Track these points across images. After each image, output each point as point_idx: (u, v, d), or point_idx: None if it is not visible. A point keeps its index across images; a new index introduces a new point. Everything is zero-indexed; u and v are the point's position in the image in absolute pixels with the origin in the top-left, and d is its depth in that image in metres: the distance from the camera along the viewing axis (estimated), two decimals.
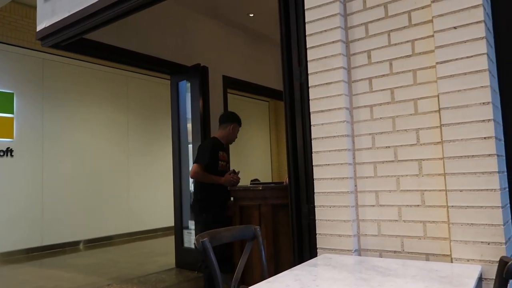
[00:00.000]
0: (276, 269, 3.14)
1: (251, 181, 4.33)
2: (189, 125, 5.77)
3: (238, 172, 3.79)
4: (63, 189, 7.57)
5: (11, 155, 6.88)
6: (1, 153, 6.77)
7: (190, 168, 3.79)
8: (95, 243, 7.92)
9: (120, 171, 8.67)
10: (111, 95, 8.63)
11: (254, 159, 11.15)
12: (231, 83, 6.36)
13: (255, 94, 8.89)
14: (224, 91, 6.19)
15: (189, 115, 5.78)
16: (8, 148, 6.85)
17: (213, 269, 1.69)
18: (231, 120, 3.85)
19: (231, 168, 3.88)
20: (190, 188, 5.73)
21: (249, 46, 6.88)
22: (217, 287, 1.68)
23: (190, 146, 5.60)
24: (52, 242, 7.31)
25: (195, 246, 1.69)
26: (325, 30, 2.14)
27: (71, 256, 6.89)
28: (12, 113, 6.96)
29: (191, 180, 5.65)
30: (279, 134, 12.76)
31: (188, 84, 5.70)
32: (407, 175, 1.93)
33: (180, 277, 5.01)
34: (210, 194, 3.60)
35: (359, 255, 2.05)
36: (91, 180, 8.04)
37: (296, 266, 1.76)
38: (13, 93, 7.00)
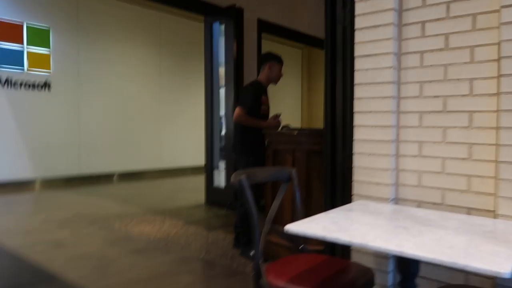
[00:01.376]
0: (306, 214, 3.16)
1: (282, 126, 4.27)
2: (222, 69, 5.69)
3: (280, 115, 3.72)
4: (98, 124, 7.74)
5: (49, 89, 7.00)
6: (40, 87, 6.90)
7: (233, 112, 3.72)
8: (127, 176, 8.19)
9: (153, 110, 8.75)
10: (144, 35, 8.52)
11: (284, 106, 11.02)
12: (265, 27, 6.14)
13: (289, 39, 8.60)
14: (259, 34, 5.99)
15: (222, 58, 5.67)
16: (46, 81, 6.96)
17: (250, 207, 1.69)
18: (267, 59, 3.70)
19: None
20: (222, 132, 5.76)
21: None
22: (253, 225, 1.68)
23: (223, 90, 5.54)
24: (88, 172, 7.60)
25: (232, 183, 1.67)
26: None
27: (106, 187, 7.17)
28: (49, 47, 6.99)
29: (223, 124, 5.67)
30: (311, 82, 12.49)
31: (222, 26, 5.53)
32: (455, 127, 1.83)
33: (210, 213, 5.15)
34: (250, 137, 3.57)
35: (396, 204, 2.01)
36: (125, 117, 8.17)
37: (332, 210, 1.74)
38: (49, 29, 6.99)
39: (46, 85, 6.97)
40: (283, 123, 3.98)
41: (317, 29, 7.11)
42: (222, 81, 5.69)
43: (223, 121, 5.65)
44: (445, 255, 1.17)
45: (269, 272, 1.63)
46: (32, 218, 4.71)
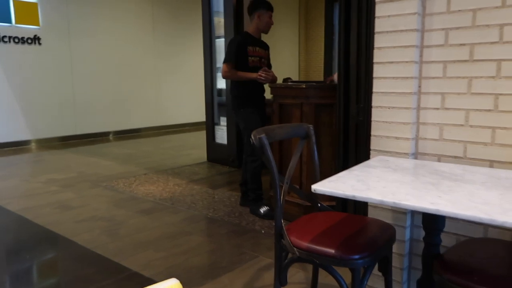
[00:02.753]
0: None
1: (284, 79, 4.18)
2: (217, 19, 5.50)
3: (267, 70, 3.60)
4: (92, 80, 7.59)
5: (39, 43, 6.78)
6: (29, 41, 6.67)
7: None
8: (124, 134, 8.15)
9: (148, 64, 8.56)
10: None
11: (279, 57, 10.77)
12: None
13: None
14: None
15: (218, 7, 5.47)
16: (36, 35, 6.73)
17: (270, 166, 1.66)
18: (254, 7, 3.55)
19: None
20: (218, 86, 5.66)
21: None
22: (275, 184, 1.66)
23: (222, 40, 5.38)
24: (84, 132, 7.54)
25: (252, 141, 1.63)
26: None
27: (105, 146, 7.15)
28: None
29: (219, 77, 5.57)
30: (309, 30, 12.16)
31: None
32: (481, 77, 1.76)
33: (213, 171, 5.16)
34: (245, 90, 3.51)
35: (415, 158, 1.98)
36: (118, 72, 8.01)
37: (354, 167, 1.71)
38: None
39: (35, 39, 6.74)
40: (283, 75, 3.90)
41: None
42: (219, 31, 5.52)
43: None
44: (482, 212, 1.15)
45: (290, 233, 1.62)
46: (33, 179, 4.70)
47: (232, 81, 3.59)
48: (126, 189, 4.27)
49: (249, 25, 3.61)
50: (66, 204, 3.79)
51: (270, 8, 3.55)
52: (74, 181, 4.58)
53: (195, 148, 6.67)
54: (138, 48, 8.34)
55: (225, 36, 5.22)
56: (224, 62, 3.49)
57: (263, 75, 3.39)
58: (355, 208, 2.62)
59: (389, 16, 1.92)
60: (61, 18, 7.06)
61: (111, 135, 7.98)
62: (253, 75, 3.42)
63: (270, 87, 3.46)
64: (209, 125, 5.72)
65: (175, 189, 4.26)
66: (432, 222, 1.56)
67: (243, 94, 3.53)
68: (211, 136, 5.70)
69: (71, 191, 4.21)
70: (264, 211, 3.37)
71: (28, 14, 6.62)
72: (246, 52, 3.49)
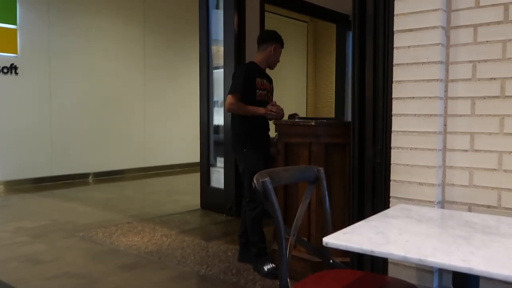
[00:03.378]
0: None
1: (290, 115, 4.23)
2: (215, 47, 5.64)
3: (275, 103, 3.68)
4: (73, 113, 7.67)
5: (16, 73, 6.92)
6: (5, 70, 6.80)
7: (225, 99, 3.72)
8: (105, 176, 8.14)
9: (136, 96, 8.69)
10: (125, 8, 8.43)
11: (287, 91, 10.97)
12: None
13: (295, 10, 8.54)
14: (262, 5, 5.91)
15: (216, 35, 5.61)
16: (12, 64, 6.87)
17: (275, 215, 1.64)
18: (273, 39, 3.66)
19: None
20: (214, 122, 5.72)
21: None
22: (280, 236, 1.64)
23: (221, 71, 5.49)
24: (61, 173, 7.54)
25: (254, 186, 1.63)
26: None
27: (83, 189, 7.12)
28: (15, 23, 6.89)
29: (216, 113, 5.63)
30: (318, 62, 12.45)
31: None
32: None
33: (207, 220, 5.11)
34: (249, 127, 3.53)
35: (442, 207, 1.97)
36: (103, 105, 8.11)
37: (372, 217, 1.70)
38: (15, 0, 6.89)
39: (12, 68, 6.87)
40: (289, 111, 3.94)
41: None
42: (217, 61, 5.64)
43: (221, 109, 5.61)
44: None
45: None
46: (1, 228, 4.65)
47: (235, 116, 3.60)
48: (106, 240, 4.21)
49: (257, 55, 3.68)
50: (36, 257, 3.73)
51: (283, 45, 3.72)
52: (47, 230, 4.53)
53: (186, 193, 6.64)
54: (125, 80, 8.49)
55: (225, 67, 5.32)
56: (230, 92, 3.51)
57: (273, 110, 3.44)
58: (372, 265, 2.57)
59: (409, 46, 1.97)
60: (41, 46, 7.23)
61: (90, 177, 7.98)
62: (262, 110, 3.47)
63: (274, 124, 3.49)
64: (204, 167, 5.72)
65: (162, 240, 4.21)
66: (464, 283, 1.52)
67: (247, 132, 3.54)
68: (205, 179, 5.69)
69: (43, 242, 4.16)
70: (268, 269, 3.31)
71: (5, 40, 6.79)
72: (255, 84, 3.55)
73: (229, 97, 3.50)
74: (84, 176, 7.89)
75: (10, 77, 6.87)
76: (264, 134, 3.65)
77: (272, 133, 3.63)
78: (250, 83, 3.51)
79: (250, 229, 3.47)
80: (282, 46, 3.71)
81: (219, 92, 5.61)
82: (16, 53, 6.91)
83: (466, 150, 1.91)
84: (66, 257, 3.74)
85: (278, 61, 3.75)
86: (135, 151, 8.72)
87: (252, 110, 3.48)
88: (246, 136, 3.55)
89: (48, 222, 4.89)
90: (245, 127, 3.55)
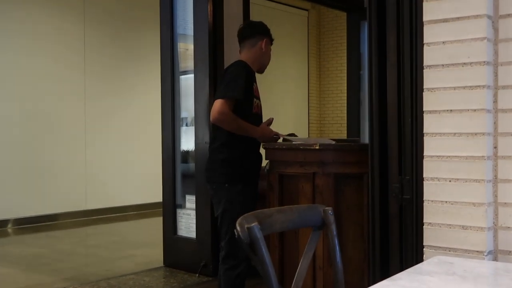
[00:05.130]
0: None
1: (286, 136, 4.25)
2: (183, 45, 5.69)
3: (272, 121, 3.72)
4: None
5: None
6: None
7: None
8: (31, 224, 8.06)
9: (73, 114, 8.69)
10: None
11: (282, 103, 11.05)
12: None
13: None
14: None
15: (184, 30, 5.66)
16: None
17: (267, 273, 1.64)
18: (262, 32, 3.72)
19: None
20: (182, 147, 5.73)
21: None
22: None
23: (190, 76, 5.52)
24: None
25: (237, 234, 1.63)
26: None
27: (1, 242, 7.04)
28: None
29: (184, 133, 5.65)
30: (322, 64, 12.61)
31: None
32: None
33: (173, 282, 5.08)
34: (239, 152, 3.52)
35: (495, 259, 1.99)
36: (28, 127, 8.09)
37: (399, 274, 1.70)
38: None
39: None
40: (285, 131, 3.96)
41: None
42: (184, 64, 5.68)
43: (191, 128, 5.62)
44: None
45: None
46: None
47: (221, 135, 3.56)
48: None
49: (244, 54, 3.71)
50: None
51: (272, 40, 3.81)
52: None
53: (144, 245, 6.62)
54: (59, 90, 8.49)
55: (196, 72, 5.35)
56: (223, 97, 3.45)
57: (279, 134, 3.59)
58: None
59: (444, 42, 2.01)
60: None
61: (9, 225, 7.89)
62: (258, 131, 3.50)
63: (264, 148, 3.51)
64: (168, 209, 5.71)
65: None
66: None
67: (236, 160, 3.52)
68: (170, 226, 5.67)
69: None
70: None
71: None
72: (252, 91, 3.58)
73: (221, 102, 3.42)
74: (1, 224, 7.80)
75: None
76: (257, 164, 3.64)
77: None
78: (248, 90, 3.53)
79: None
80: (271, 40, 3.79)
81: (188, 105, 5.63)
82: None
83: None
84: None
85: (269, 60, 3.82)
86: (73, 190, 8.66)
87: (248, 129, 3.49)
88: (231, 166, 3.52)
89: None
90: (232, 153, 3.53)
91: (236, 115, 3.43)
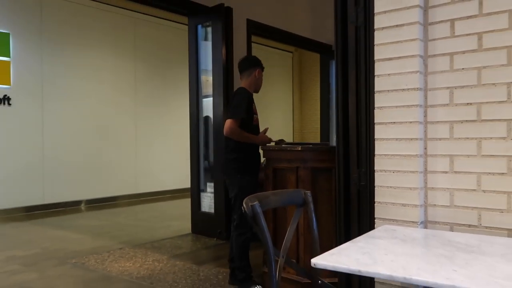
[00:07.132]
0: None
1: (277, 141, 4.25)
2: (204, 77, 5.69)
3: (267, 130, 3.72)
4: (64, 142, 7.62)
5: (9, 104, 6.89)
6: None
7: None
8: (98, 203, 8.05)
9: (127, 126, 8.68)
10: (117, 40, 8.50)
11: (273, 118, 11.04)
12: (255, 29, 6.16)
13: (280, 41, 8.68)
14: (248, 37, 6.00)
15: (205, 65, 5.67)
16: (6, 95, 6.84)
17: (265, 238, 1.64)
18: (255, 64, 3.71)
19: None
20: (203, 150, 5.73)
21: None
22: (269, 258, 1.63)
23: (210, 99, 5.52)
24: (53, 201, 7.43)
25: (244, 210, 1.63)
26: None
27: (75, 217, 7.02)
28: (9, 56, 6.90)
29: (202, 140, 5.66)
30: (303, 89, 12.59)
31: (208, 29, 5.55)
32: (491, 138, 1.82)
33: (198, 244, 5.06)
34: (245, 154, 3.53)
35: (425, 227, 1.98)
36: (94, 135, 8.08)
37: (358, 238, 1.70)
38: (9, 34, 6.91)
39: (5, 99, 6.84)
40: (276, 137, 3.97)
41: (310, 29, 7.19)
42: (206, 90, 5.69)
43: (210, 135, 5.62)
44: None
45: None
46: None
47: (230, 142, 3.56)
48: (98, 266, 4.14)
49: (244, 81, 3.70)
50: (27, 286, 3.65)
51: (263, 69, 3.78)
52: (38, 259, 4.44)
53: (177, 218, 6.59)
54: (116, 109, 8.49)
55: (214, 96, 5.36)
56: (232, 117, 3.49)
57: (272, 139, 3.56)
58: (360, 284, 2.56)
59: (389, 74, 2.01)
60: (34, 77, 7.23)
61: (82, 205, 7.88)
62: (258, 138, 3.53)
63: (262, 149, 3.51)
64: (194, 192, 5.70)
65: (154, 265, 4.15)
66: None
67: (242, 159, 3.54)
68: (196, 204, 5.66)
69: (34, 270, 4.07)
70: None
71: None
72: (252, 109, 3.59)
73: (231, 122, 3.47)
74: (76, 203, 7.80)
75: (3, 108, 6.83)
76: (258, 161, 3.66)
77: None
78: (249, 109, 3.56)
79: (237, 254, 3.45)
80: (262, 69, 3.78)
81: (208, 120, 5.64)
82: (9, 85, 6.89)
83: (446, 172, 1.93)
84: (57, 285, 3.66)
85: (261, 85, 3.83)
86: (127, 178, 8.66)
87: (251, 138, 3.52)
88: (243, 163, 3.54)
89: (39, 250, 4.80)
90: (243, 154, 3.54)
91: (241, 128, 3.47)
